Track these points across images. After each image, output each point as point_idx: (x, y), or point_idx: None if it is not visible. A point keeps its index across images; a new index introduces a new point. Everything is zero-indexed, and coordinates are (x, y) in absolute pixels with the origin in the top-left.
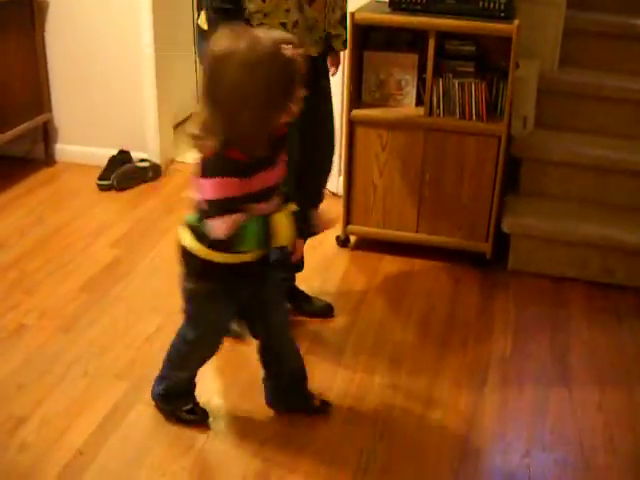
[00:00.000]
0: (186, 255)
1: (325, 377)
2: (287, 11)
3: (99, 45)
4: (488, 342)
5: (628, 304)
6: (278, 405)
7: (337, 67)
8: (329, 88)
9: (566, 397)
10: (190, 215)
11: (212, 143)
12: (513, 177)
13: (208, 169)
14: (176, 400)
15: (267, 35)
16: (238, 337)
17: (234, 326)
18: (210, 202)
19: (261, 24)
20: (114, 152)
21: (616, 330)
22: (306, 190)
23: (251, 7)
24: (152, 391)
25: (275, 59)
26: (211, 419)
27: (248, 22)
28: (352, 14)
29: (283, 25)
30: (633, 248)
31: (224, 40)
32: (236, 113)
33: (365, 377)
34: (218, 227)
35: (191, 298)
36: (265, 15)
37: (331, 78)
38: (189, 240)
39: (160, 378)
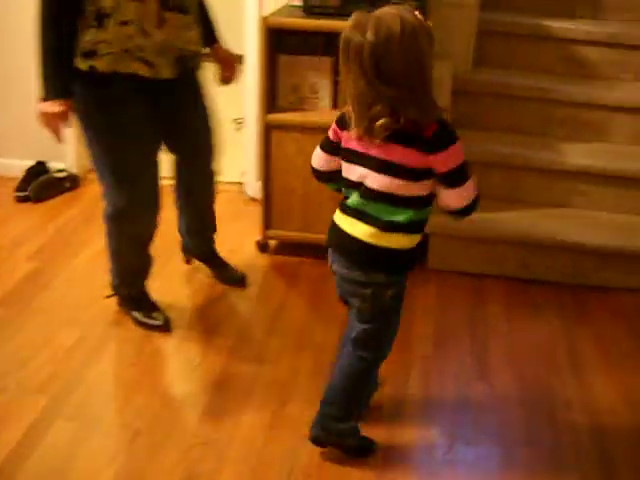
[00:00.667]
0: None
1: (246, 385)
2: (130, 37)
3: (14, 55)
4: (410, 341)
5: (546, 298)
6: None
7: (232, 73)
8: (202, 102)
9: (487, 392)
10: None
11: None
12: None
13: (449, 137)
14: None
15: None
16: None
17: None
18: (463, 164)
19: (108, 53)
20: (31, 163)
21: (535, 324)
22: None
23: (92, 38)
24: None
25: (421, 25)
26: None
27: (94, 53)
28: (264, 19)
29: (127, 51)
30: (547, 243)
31: (379, 27)
32: (423, 82)
33: (289, 380)
34: (473, 188)
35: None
36: (109, 44)
37: (239, 84)
38: (402, 240)
39: None
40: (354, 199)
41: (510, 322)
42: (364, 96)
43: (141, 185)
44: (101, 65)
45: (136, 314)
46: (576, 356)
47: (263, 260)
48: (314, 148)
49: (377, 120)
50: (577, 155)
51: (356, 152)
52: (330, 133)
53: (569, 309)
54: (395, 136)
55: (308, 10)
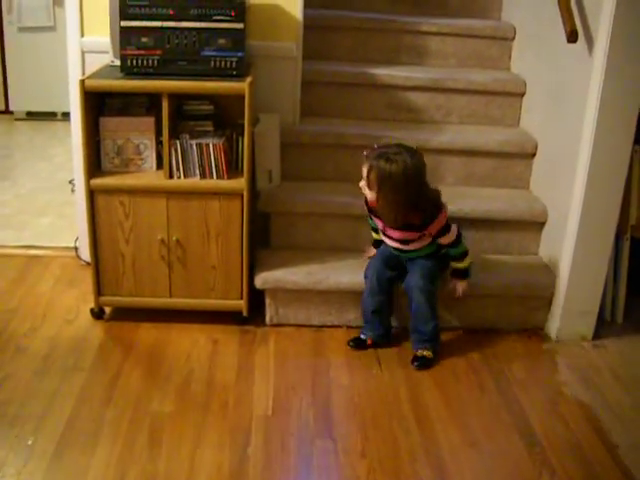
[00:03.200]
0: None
1: (82, 461)
2: None
3: None
4: (249, 402)
5: (387, 345)
6: None
7: None
8: None
9: (330, 448)
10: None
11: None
12: (266, 232)
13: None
14: None
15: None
16: None
17: None
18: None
19: None
20: None
21: (376, 374)
22: None
23: None
24: None
25: None
26: None
27: None
28: (81, 81)
29: None
30: None
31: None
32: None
33: (123, 456)
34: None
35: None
36: None
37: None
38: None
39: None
40: None
41: (351, 373)
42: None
43: None
44: None
45: None
46: (418, 403)
47: (99, 328)
48: (142, 210)
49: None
50: None
51: None
52: None
53: (409, 356)
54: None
55: (126, 70)
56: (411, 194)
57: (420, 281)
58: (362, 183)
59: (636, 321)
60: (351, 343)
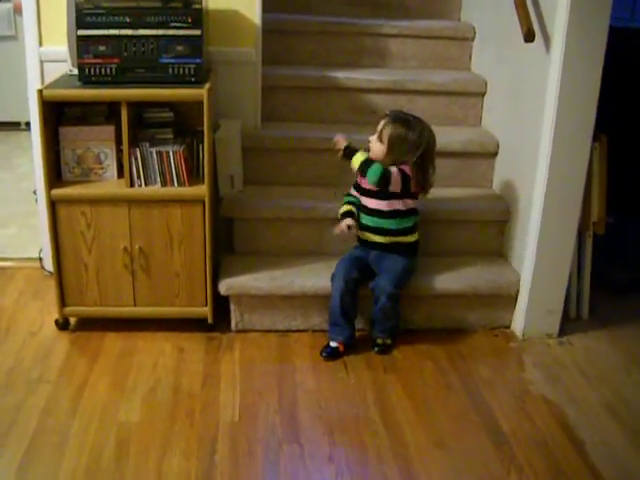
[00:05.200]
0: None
1: (48, 474)
2: None
3: None
4: (215, 409)
5: (353, 348)
6: None
7: None
8: None
9: (297, 453)
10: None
11: None
12: (229, 237)
13: None
14: None
15: None
16: None
17: None
18: None
19: None
20: None
21: (342, 377)
22: None
23: None
24: None
25: None
26: None
27: None
28: (39, 91)
29: None
30: None
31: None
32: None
33: (90, 468)
34: None
35: None
36: None
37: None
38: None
39: None
40: None
41: (318, 377)
42: None
43: None
44: None
45: None
46: (385, 406)
47: (64, 339)
48: (103, 220)
49: None
50: None
51: None
52: None
53: (376, 358)
54: None
55: (84, 79)
56: (416, 163)
57: (389, 287)
58: (373, 137)
59: (601, 317)
60: (324, 354)
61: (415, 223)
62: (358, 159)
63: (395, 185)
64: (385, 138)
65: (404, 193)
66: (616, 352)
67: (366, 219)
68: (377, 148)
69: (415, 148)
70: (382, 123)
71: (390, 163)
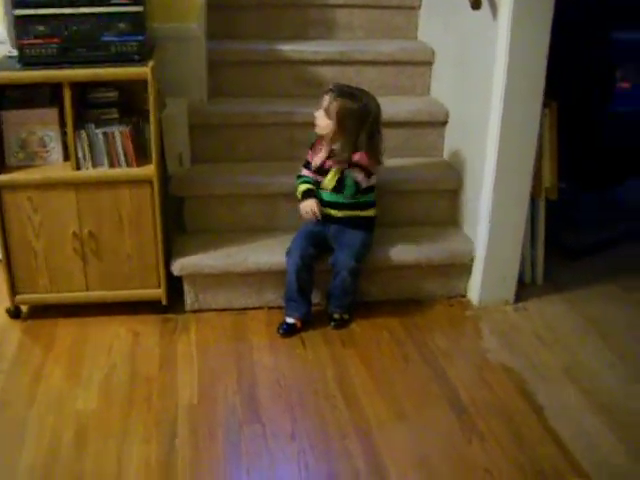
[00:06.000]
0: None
1: (6, 465)
2: None
3: None
4: (173, 393)
5: (310, 323)
6: None
7: None
8: None
9: (259, 433)
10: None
11: None
12: (180, 217)
13: None
14: None
15: None
16: None
17: None
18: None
19: None
20: None
21: (300, 353)
22: None
23: None
24: None
25: None
26: None
27: None
28: None
29: None
30: None
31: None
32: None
33: (49, 458)
34: None
35: None
36: None
37: None
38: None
39: None
40: None
41: (275, 354)
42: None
43: None
44: None
45: None
46: (344, 380)
47: (16, 327)
48: (51, 204)
49: None
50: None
51: None
52: None
53: (334, 333)
54: None
55: (24, 61)
56: (364, 133)
57: (350, 261)
58: (319, 112)
59: (556, 282)
60: (281, 331)
61: (374, 198)
62: (332, 180)
63: (364, 184)
64: (333, 114)
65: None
66: (572, 316)
67: (323, 194)
68: (324, 123)
69: (363, 120)
70: (327, 99)
71: (341, 139)
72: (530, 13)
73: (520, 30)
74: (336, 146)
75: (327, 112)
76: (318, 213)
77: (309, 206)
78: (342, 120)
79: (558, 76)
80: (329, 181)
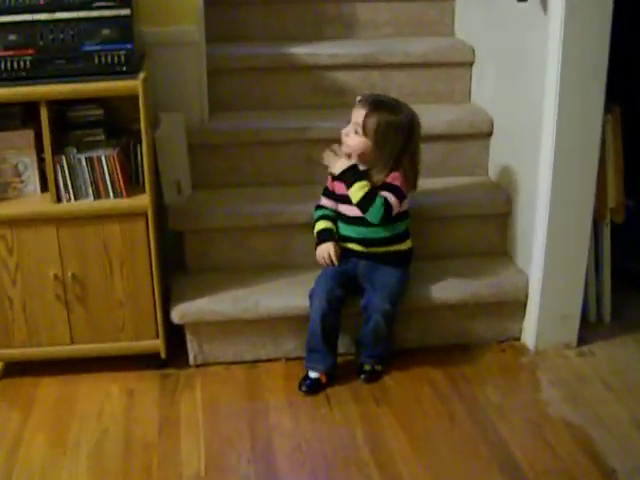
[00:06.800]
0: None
1: None
2: None
3: None
4: (177, 462)
5: (337, 378)
6: None
7: None
8: None
9: None
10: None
11: None
12: (180, 254)
13: None
14: None
15: None
16: None
17: None
18: None
19: None
20: None
21: (325, 413)
22: None
23: None
24: None
25: None
26: None
27: None
28: None
29: None
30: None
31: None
32: None
33: None
34: None
35: None
36: None
37: None
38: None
39: None
40: None
41: (296, 415)
42: None
43: None
44: None
45: None
46: (378, 445)
47: None
48: (28, 244)
49: None
50: None
51: None
52: None
53: (365, 388)
54: None
55: None
56: (407, 152)
57: (384, 304)
58: (349, 129)
59: (626, 319)
60: (302, 387)
61: (407, 227)
62: (359, 191)
63: (396, 209)
64: (370, 131)
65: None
66: None
67: (347, 229)
68: (357, 143)
69: (408, 135)
70: (360, 114)
71: (380, 160)
72: (586, 3)
73: (575, 23)
74: (370, 167)
75: (363, 128)
76: (335, 260)
77: (325, 250)
78: (383, 137)
79: (622, 76)
80: (355, 192)
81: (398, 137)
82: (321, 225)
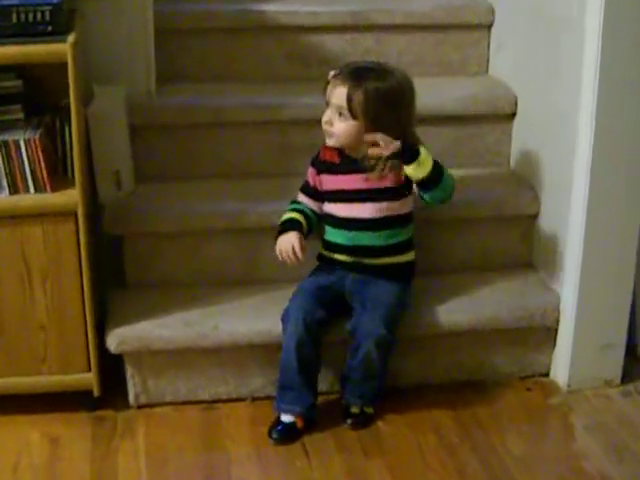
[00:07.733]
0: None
1: None
2: None
3: None
4: None
5: (316, 422)
6: None
7: None
8: None
9: None
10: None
11: None
12: (119, 265)
13: None
14: None
15: None
16: None
17: None
18: None
19: None
20: None
21: (302, 467)
22: None
23: None
24: None
25: None
26: None
27: None
28: None
29: None
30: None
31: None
32: None
33: None
34: None
35: None
36: None
37: None
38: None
39: None
40: None
41: (265, 469)
42: None
43: None
44: None
45: None
46: None
47: None
48: None
49: None
50: None
51: None
52: None
53: (351, 435)
54: None
55: None
56: (408, 111)
57: (378, 328)
58: (329, 115)
59: None
60: (275, 435)
61: (412, 236)
62: (425, 162)
63: None
64: (359, 110)
65: (405, 184)
66: None
67: (334, 234)
68: (346, 129)
69: (407, 103)
70: (340, 92)
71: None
72: None
73: None
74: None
75: (349, 109)
76: (299, 253)
77: (287, 242)
78: (377, 112)
79: None
80: (423, 162)
81: (395, 107)
82: (288, 215)
